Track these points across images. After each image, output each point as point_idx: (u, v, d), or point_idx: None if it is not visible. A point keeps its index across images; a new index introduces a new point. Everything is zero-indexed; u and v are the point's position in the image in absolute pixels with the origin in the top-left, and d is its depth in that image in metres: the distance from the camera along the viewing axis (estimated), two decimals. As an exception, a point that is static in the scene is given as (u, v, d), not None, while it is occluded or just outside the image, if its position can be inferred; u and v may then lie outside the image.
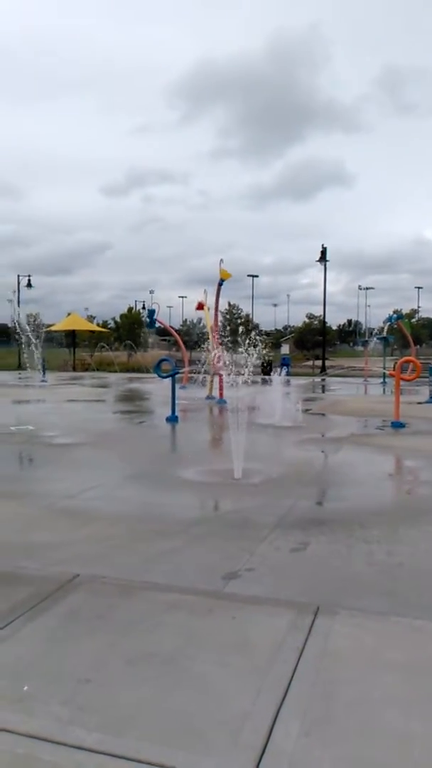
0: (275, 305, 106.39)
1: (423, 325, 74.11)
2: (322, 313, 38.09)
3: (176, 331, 32.72)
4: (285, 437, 9.99)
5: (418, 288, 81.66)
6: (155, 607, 3.37)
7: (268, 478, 6.87)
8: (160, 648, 2.89)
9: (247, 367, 9.89)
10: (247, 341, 9.94)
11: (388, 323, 28.40)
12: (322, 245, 33.94)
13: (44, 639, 2.99)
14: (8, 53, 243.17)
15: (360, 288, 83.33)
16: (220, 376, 14.90)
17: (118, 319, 49.70)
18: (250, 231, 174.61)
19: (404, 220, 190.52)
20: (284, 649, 2.86)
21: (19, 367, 31.67)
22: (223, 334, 16.86)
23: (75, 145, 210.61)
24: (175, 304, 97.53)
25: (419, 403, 15.24)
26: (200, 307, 17.81)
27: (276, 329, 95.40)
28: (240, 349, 10.17)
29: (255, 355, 10.00)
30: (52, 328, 37.80)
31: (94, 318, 55.93)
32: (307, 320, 75.37)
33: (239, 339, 10.30)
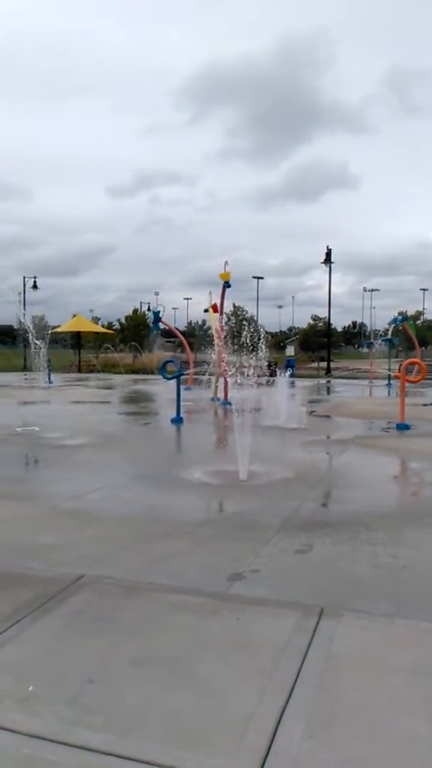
0: (280, 307, 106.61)
1: (428, 327, 73.71)
2: (327, 315, 38.21)
3: (181, 332, 32.74)
4: (290, 439, 9.98)
5: (424, 290, 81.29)
6: (160, 608, 3.38)
7: (274, 479, 6.86)
8: (165, 649, 2.90)
9: (250, 368, 9.87)
10: (248, 339, 9.93)
11: (393, 325, 28.43)
12: (327, 247, 33.83)
13: (49, 639, 3.00)
14: (14, 54, 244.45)
15: (365, 290, 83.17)
16: (225, 377, 14.91)
17: (123, 320, 49.83)
18: (255, 232, 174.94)
19: (410, 221, 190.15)
20: (289, 651, 2.85)
21: (25, 368, 31.76)
22: (228, 336, 16.86)
23: (82, 146, 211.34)
24: (181, 305, 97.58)
25: (425, 405, 15.19)
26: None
27: (281, 331, 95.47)
28: (240, 350, 10.16)
29: (260, 356, 9.99)
30: (57, 330, 37.92)
31: (99, 319, 56.06)
32: (312, 322, 75.40)
33: (242, 338, 10.29)
